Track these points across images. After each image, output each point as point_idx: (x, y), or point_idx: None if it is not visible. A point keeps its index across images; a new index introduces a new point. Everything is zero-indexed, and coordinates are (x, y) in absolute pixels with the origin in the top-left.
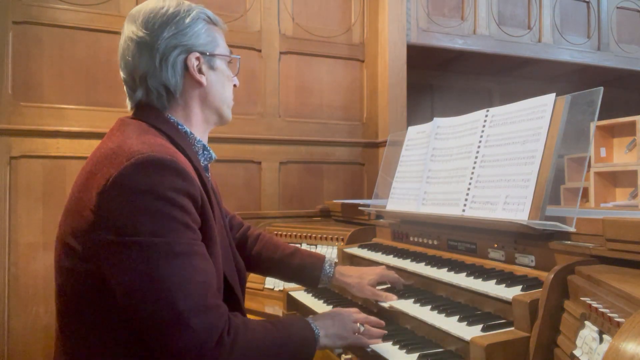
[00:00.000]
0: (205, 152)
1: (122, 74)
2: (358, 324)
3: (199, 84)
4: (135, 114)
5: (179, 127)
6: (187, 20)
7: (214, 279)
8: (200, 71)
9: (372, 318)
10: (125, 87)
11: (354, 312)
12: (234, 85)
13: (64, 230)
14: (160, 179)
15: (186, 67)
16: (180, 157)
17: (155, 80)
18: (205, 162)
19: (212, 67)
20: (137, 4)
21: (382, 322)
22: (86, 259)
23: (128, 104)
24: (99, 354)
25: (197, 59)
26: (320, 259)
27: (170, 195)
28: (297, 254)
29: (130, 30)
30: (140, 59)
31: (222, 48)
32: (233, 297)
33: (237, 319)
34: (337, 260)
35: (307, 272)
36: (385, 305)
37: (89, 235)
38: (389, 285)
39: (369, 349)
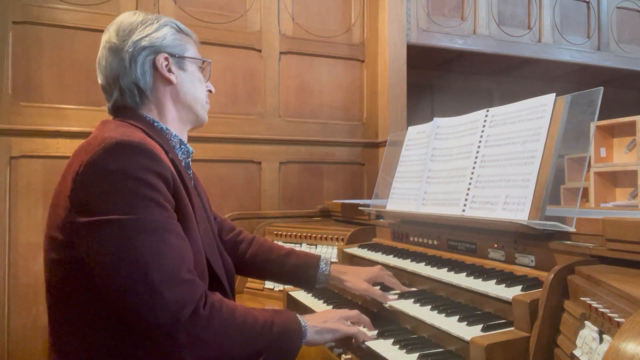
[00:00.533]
0: (182, 146)
1: (99, 81)
2: (349, 322)
3: (169, 81)
4: (116, 116)
5: (155, 123)
6: (155, 25)
7: (190, 257)
8: (169, 70)
9: (365, 317)
10: (104, 94)
11: (346, 310)
12: (210, 91)
13: (49, 224)
14: (129, 160)
15: (155, 67)
16: (149, 141)
17: (127, 79)
18: (184, 157)
19: (182, 68)
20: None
21: (372, 327)
22: (68, 246)
23: (107, 109)
24: (88, 342)
25: (166, 59)
26: (316, 257)
27: (140, 175)
28: (293, 254)
29: (104, 40)
30: (112, 62)
31: (191, 52)
32: (219, 287)
33: (215, 296)
34: (332, 260)
35: (303, 270)
36: (385, 304)
37: (67, 221)
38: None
39: (363, 345)
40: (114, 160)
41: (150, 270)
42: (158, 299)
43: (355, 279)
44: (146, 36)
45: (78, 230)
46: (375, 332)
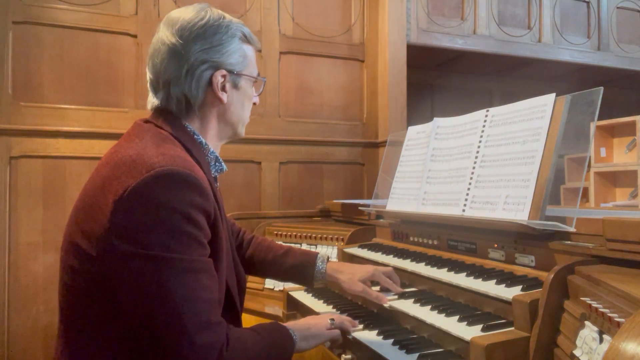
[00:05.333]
0: (217, 163)
1: (148, 74)
2: (329, 320)
3: (220, 100)
4: (153, 117)
5: (195, 136)
6: (223, 37)
7: (217, 296)
8: (223, 89)
9: (347, 317)
10: (148, 86)
11: (328, 315)
12: (254, 104)
13: (74, 229)
14: (178, 194)
15: (210, 83)
16: (198, 172)
17: (178, 88)
18: (216, 174)
19: (235, 86)
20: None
21: (356, 322)
22: (97, 263)
23: (148, 104)
24: (101, 354)
25: (223, 76)
26: (313, 255)
27: (187, 211)
28: (290, 253)
29: (165, 34)
30: (168, 64)
31: (250, 68)
32: (232, 307)
33: (233, 333)
34: (329, 257)
35: (300, 269)
36: (385, 304)
37: (102, 241)
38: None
39: (349, 336)
40: (163, 193)
41: (184, 314)
42: (189, 343)
43: (351, 280)
44: (211, 48)
45: (116, 256)
46: (361, 326)
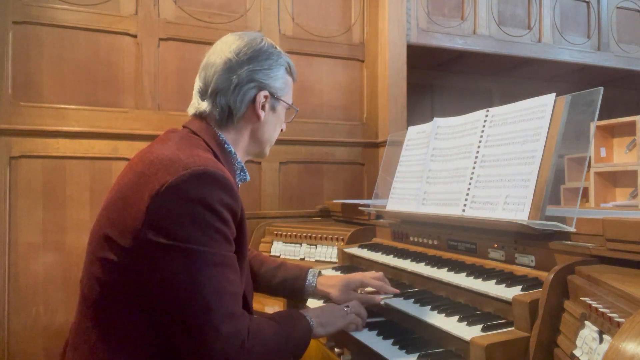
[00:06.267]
0: (242, 173)
1: (198, 82)
2: (344, 307)
3: (257, 117)
4: (190, 123)
5: (226, 145)
6: (273, 64)
7: (241, 290)
8: (262, 108)
9: (363, 310)
10: (194, 93)
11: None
12: (281, 130)
13: (105, 223)
14: (211, 192)
15: (253, 100)
16: (229, 175)
17: (224, 98)
18: (239, 182)
19: (273, 108)
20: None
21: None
22: (130, 255)
23: (191, 108)
24: (129, 342)
25: (265, 97)
26: (304, 269)
27: (218, 208)
28: (282, 267)
29: (223, 50)
30: (221, 77)
31: (288, 96)
32: (245, 306)
33: (253, 324)
34: (321, 271)
35: (291, 282)
36: (381, 303)
37: (136, 233)
38: (374, 290)
39: (355, 336)
40: (198, 190)
41: (212, 305)
42: (215, 333)
43: (341, 292)
44: (261, 70)
45: (149, 247)
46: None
